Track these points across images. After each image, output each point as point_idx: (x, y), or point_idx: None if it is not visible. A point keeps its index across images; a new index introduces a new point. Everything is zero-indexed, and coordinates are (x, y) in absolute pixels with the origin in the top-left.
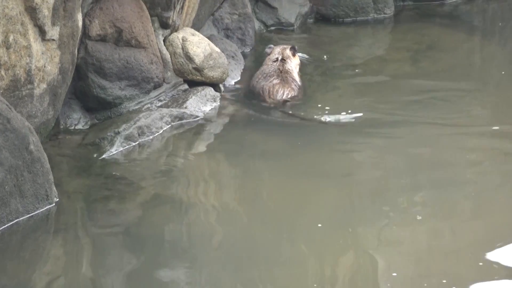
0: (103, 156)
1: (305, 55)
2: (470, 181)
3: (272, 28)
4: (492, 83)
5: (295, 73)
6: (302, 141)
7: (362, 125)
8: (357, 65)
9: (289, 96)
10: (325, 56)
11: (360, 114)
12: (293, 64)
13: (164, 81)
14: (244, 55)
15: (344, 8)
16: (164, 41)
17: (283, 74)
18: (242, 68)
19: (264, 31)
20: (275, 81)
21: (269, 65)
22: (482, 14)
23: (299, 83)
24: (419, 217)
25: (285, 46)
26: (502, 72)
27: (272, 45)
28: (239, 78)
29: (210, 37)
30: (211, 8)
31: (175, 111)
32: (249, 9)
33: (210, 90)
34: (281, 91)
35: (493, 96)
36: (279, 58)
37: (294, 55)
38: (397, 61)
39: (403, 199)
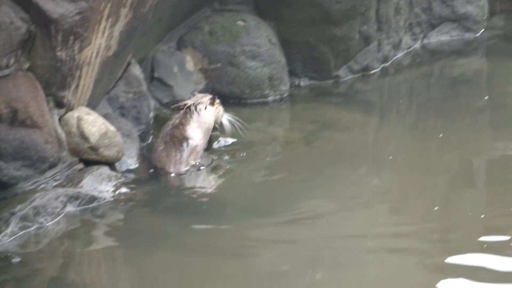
0: None
1: (235, 117)
2: None
3: (168, 106)
4: (386, 163)
5: (199, 126)
6: (195, 222)
7: (259, 214)
8: (250, 147)
9: (179, 167)
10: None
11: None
12: (207, 114)
13: (59, 160)
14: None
15: (240, 86)
16: (59, 120)
17: (174, 131)
18: (138, 146)
19: (160, 109)
20: (160, 148)
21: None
22: (378, 91)
23: (198, 140)
24: None
25: (206, 94)
26: (397, 150)
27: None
28: (134, 157)
29: (105, 116)
30: (106, 87)
31: (70, 190)
32: (144, 87)
33: (105, 169)
34: (168, 162)
35: (387, 176)
36: (186, 106)
37: (213, 104)
38: (292, 141)
39: None
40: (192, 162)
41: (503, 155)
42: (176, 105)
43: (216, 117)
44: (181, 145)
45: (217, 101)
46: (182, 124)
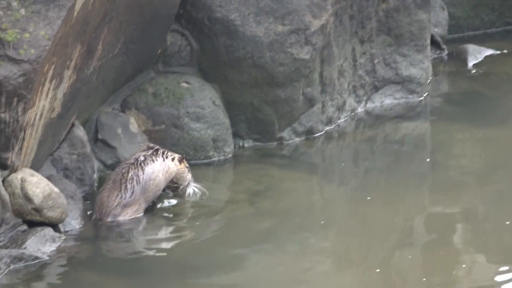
0: None
1: (203, 188)
2: None
3: (112, 167)
4: (329, 226)
5: (160, 172)
6: (136, 283)
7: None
8: (194, 207)
9: (118, 207)
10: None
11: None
12: (171, 166)
13: (3, 221)
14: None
15: (184, 147)
16: (3, 181)
17: (129, 170)
18: (81, 207)
19: (104, 170)
20: (107, 187)
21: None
22: (321, 154)
23: (151, 186)
24: None
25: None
26: (340, 213)
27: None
28: (78, 218)
29: (49, 177)
30: (50, 148)
31: (14, 251)
32: (88, 149)
33: (49, 230)
34: (107, 201)
35: (331, 239)
36: (155, 149)
37: (180, 162)
38: (236, 202)
39: None
40: (131, 213)
41: (443, 218)
42: (145, 144)
43: (178, 177)
44: (127, 189)
45: (187, 164)
46: (143, 164)
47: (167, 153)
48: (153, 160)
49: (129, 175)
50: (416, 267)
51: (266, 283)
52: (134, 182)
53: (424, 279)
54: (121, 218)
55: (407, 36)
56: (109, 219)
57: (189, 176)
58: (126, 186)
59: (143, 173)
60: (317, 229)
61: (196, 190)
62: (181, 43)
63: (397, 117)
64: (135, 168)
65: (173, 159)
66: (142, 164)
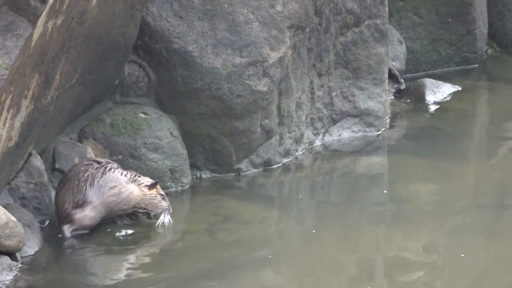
0: None
1: (170, 220)
2: None
3: None
4: (285, 258)
5: (114, 183)
6: None
7: None
8: (151, 237)
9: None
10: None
11: None
12: (134, 191)
13: None
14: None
15: None
16: None
17: (91, 168)
18: (39, 237)
19: None
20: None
21: None
22: (279, 186)
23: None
24: None
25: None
26: (296, 246)
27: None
28: (35, 247)
29: (6, 206)
30: (7, 177)
31: None
32: (45, 178)
33: (6, 259)
34: (61, 205)
35: (286, 272)
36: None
37: (151, 188)
38: (193, 233)
39: None
40: (88, 218)
41: (398, 254)
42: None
43: (146, 203)
44: (80, 190)
45: (161, 191)
46: (105, 169)
47: (136, 176)
48: (120, 173)
49: (85, 175)
50: None
51: None
52: (88, 184)
53: None
54: (77, 223)
55: (365, 70)
56: (65, 225)
57: (162, 203)
58: (79, 186)
59: (101, 178)
60: (273, 261)
61: (169, 222)
62: (138, 73)
63: (355, 152)
64: (95, 169)
65: (139, 185)
66: (104, 169)
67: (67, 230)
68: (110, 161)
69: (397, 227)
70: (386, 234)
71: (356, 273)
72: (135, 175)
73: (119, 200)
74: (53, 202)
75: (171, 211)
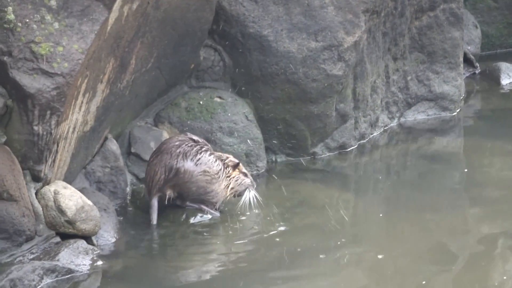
0: None
1: (256, 195)
2: None
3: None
4: (364, 241)
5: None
6: None
7: None
8: (226, 222)
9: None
10: None
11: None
12: (222, 185)
13: (36, 233)
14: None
15: None
16: (36, 194)
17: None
18: (114, 220)
19: (137, 184)
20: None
21: None
22: (354, 168)
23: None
24: None
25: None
26: (375, 228)
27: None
28: (111, 231)
29: (82, 190)
30: (83, 161)
31: (47, 263)
32: (121, 162)
33: (82, 243)
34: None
35: (364, 255)
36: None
37: (234, 168)
38: (268, 217)
39: None
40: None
41: (482, 237)
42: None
43: (233, 184)
44: (172, 167)
45: (243, 169)
46: (204, 150)
47: (227, 160)
48: (214, 160)
49: (177, 150)
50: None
51: None
52: (179, 159)
53: None
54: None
55: (440, 54)
56: (154, 196)
57: (245, 180)
58: (171, 160)
59: (195, 156)
60: (351, 243)
61: (254, 198)
62: (214, 58)
63: (430, 132)
64: (189, 147)
65: (234, 168)
66: (200, 148)
67: (154, 201)
68: (206, 142)
69: (475, 209)
70: (465, 216)
71: (439, 254)
72: (223, 158)
73: (206, 191)
74: (128, 186)
75: (255, 186)
